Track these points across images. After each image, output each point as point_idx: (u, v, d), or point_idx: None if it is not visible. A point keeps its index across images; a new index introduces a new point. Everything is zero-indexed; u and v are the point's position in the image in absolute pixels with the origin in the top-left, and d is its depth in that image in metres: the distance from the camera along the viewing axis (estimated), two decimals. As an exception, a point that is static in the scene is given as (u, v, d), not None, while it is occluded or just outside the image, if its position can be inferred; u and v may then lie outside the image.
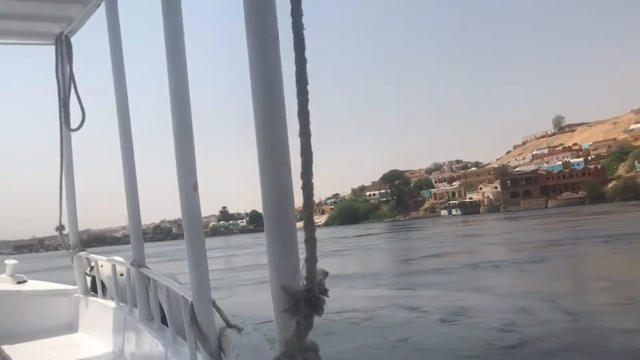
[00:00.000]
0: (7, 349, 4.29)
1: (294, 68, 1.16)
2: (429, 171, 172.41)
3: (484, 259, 24.29)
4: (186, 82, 2.19)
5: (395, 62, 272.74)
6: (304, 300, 1.17)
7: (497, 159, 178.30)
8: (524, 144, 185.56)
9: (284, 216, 1.36)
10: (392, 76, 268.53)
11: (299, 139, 1.17)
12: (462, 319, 12.16)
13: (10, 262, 5.49)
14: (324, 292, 1.18)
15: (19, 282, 5.25)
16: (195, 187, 2.16)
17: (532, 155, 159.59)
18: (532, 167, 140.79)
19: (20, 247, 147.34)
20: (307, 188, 1.15)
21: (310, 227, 1.17)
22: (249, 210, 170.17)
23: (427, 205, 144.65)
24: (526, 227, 51.04)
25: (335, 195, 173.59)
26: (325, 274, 1.19)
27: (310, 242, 1.16)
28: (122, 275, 4.14)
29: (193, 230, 2.18)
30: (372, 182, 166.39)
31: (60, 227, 4.90)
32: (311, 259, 1.16)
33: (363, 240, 54.42)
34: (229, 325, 2.11)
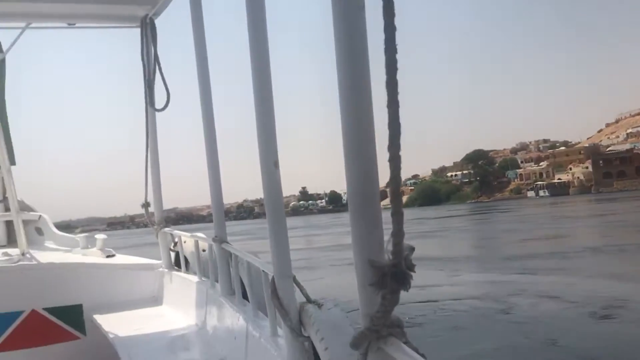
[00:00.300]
0: (98, 318, 4.53)
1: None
2: (515, 151, 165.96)
3: (606, 242, 21.99)
4: (267, 59, 2.18)
5: (472, 33, 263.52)
6: (390, 274, 1.16)
7: (587, 138, 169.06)
8: (617, 122, 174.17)
9: (368, 190, 1.33)
10: (470, 50, 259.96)
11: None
12: (620, 313, 9.70)
13: (100, 237, 5.76)
14: (411, 267, 1.16)
15: (108, 256, 5.50)
16: (276, 165, 2.18)
17: (627, 134, 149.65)
18: (627, 146, 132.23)
19: (113, 224, 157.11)
20: (395, 161, 1.13)
21: (397, 201, 1.15)
22: (328, 191, 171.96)
23: (512, 186, 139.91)
24: (631, 209, 46.87)
25: (415, 177, 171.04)
26: (412, 249, 1.16)
27: (397, 216, 1.14)
28: (204, 251, 4.22)
29: (274, 206, 2.20)
30: (454, 163, 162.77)
31: (146, 205, 5.07)
32: (398, 233, 1.14)
33: (449, 221, 52.46)
34: (309, 300, 2.13)
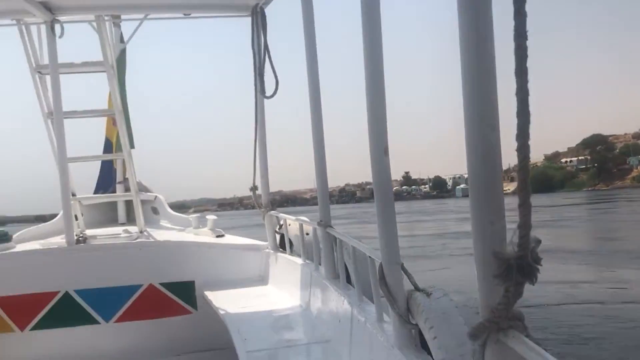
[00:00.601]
0: (209, 294, 4.74)
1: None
2: (637, 136, 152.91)
3: None
4: (380, 44, 2.16)
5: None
6: (516, 267, 1.14)
7: None
8: None
9: (491, 179, 1.30)
10: (589, 32, 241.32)
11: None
12: None
13: (211, 217, 6.03)
14: (537, 260, 1.14)
15: (217, 236, 5.75)
16: (386, 151, 2.18)
17: None
18: None
19: (223, 205, 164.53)
20: (523, 151, 1.12)
21: (524, 192, 1.13)
22: (432, 176, 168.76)
23: (634, 173, 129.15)
24: None
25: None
26: (538, 241, 1.14)
27: (525, 207, 1.13)
28: (307, 234, 4.27)
29: (383, 193, 2.21)
30: (568, 148, 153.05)
31: (254, 188, 5.21)
32: (525, 224, 1.12)
33: (566, 210, 48.25)
34: (417, 288, 2.15)
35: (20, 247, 5.39)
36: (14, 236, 5.74)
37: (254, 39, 4.85)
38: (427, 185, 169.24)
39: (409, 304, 2.13)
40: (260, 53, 4.70)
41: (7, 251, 5.21)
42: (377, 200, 2.22)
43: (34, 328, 4.77)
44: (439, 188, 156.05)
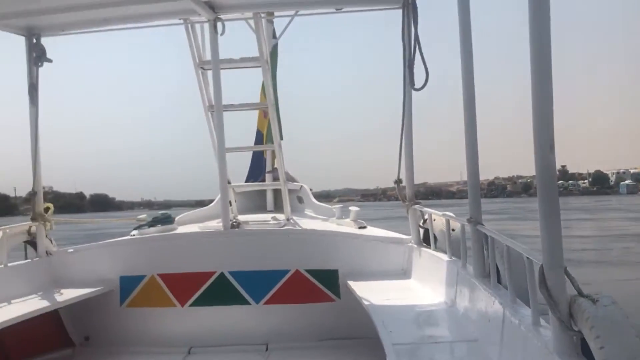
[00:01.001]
0: (352, 284, 4.77)
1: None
2: None
3: None
4: (548, 37, 2.06)
5: None
6: None
7: None
8: None
9: None
10: None
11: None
12: None
13: (354, 209, 6.07)
14: None
15: (360, 227, 5.77)
16: (552, 148, 2.09)
17: None
18: None
19: (366, 196, 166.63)
20: None
21: None
22: (592, 170, 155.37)
23: None
24: None
25: None
26: None
27: None
28: (453, 230, 4.14)
29: (548, 192, 2.11)
30: None
31: (398, 181, 5.14)
32: None
33: None
34: (581, 294, 2.04)
35: (181, 229, 5.89)
36: (176, 219, 6.30)
37: (404, 31, 4.78)
38: (586, 181, 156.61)
39: (572, 310, 2.02)
40: (411, 45, 4.62)
41: (170, 232, 5.73)
42: (541, 200, 2.12)
43: (193, 304, 5.18)
44: (600, 184, 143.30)
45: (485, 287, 3.14)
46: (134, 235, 5.64)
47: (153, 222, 5.86)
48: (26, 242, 5.36)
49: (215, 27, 5.08)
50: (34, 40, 5.18)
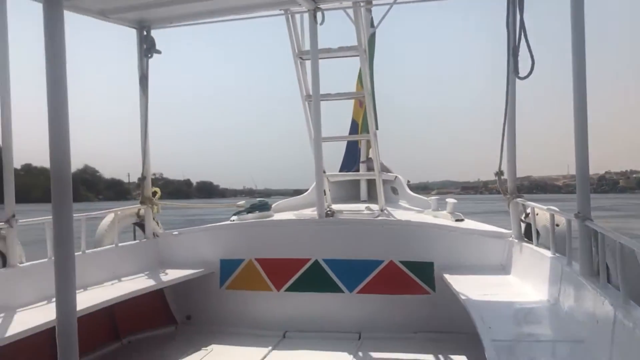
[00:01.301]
0: (448, 277, 4.66)
1: None
2: None
3: None
4: None
5: None
6: None
7: None
8: None
9: None
10: None
11: None
12: None
13: (451, 201, 5.91)
14: None
15: (456, 220, 5.61)
16: None
17: None
18: None
19: (466, 188, 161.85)
20: None
21: None
22: None
23: None
24: None
25: None
26: None
27: None
28: (557, 225, 3.94)
29: None
30: None
31: (500, 173, 4.93)
32: None
33: None
34: None
35: (277, 216, 6.03)
36: (273, 206, 6.47)
37: (509, 18, 4.58)
38: None
39: None
40: (516, 32, 4.41)
41: (268, 219, 5.89)
42: None
43: (288, 289, 5.32)
44: None
45: (594, 287, 2.97)
46: (233, 220, 5.87)
47: (251, 209, 6.07)
48: (135, 224, 5.75)
49: (315, 16, 5.14)
50: (145, 33, 5.51)
